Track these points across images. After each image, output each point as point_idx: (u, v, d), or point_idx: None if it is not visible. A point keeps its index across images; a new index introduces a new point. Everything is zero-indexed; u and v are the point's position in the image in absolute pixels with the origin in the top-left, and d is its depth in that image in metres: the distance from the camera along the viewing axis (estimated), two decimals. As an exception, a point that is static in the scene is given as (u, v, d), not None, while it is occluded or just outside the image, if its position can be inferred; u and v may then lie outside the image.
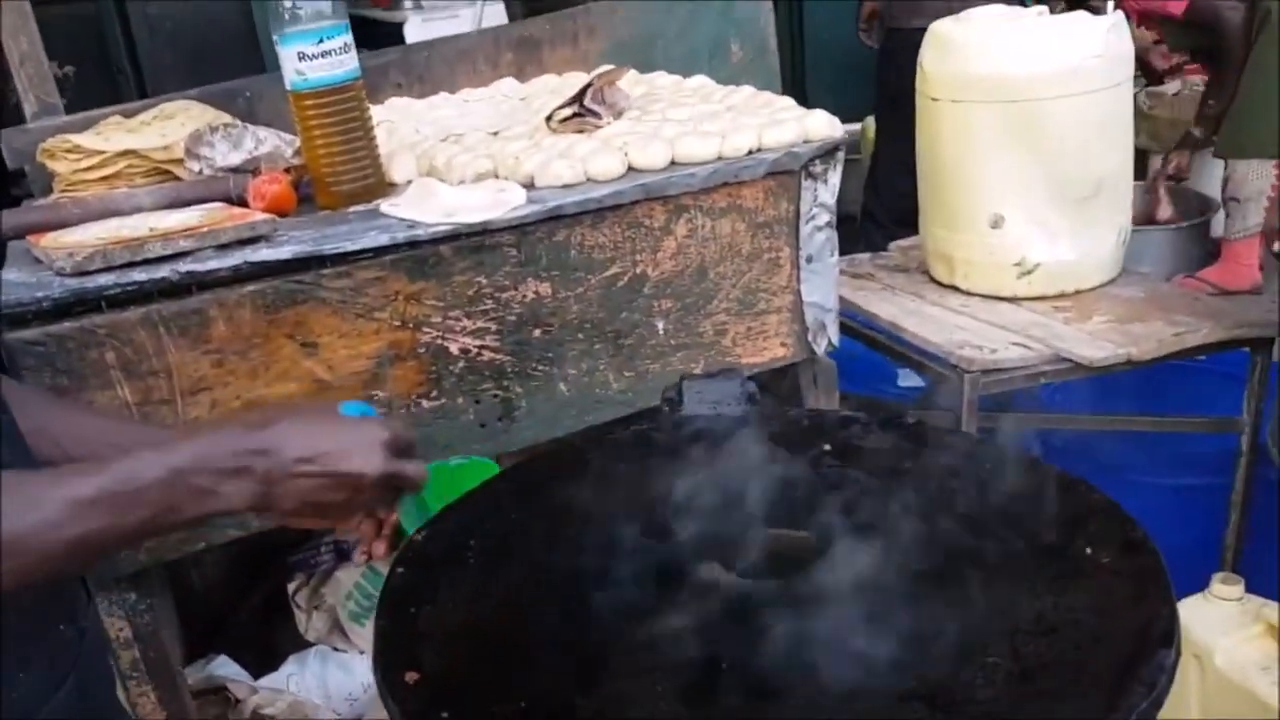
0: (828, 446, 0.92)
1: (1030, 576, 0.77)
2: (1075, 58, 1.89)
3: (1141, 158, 4.36)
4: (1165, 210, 3.99)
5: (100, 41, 4.46)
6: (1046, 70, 1.88)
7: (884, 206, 3.95)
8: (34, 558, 0.77)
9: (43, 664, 0.90)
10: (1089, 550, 0.78)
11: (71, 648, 0.94)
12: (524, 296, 1.59)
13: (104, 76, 4.25)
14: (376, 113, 1.96)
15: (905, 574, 0.78)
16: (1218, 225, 3.80)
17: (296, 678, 1.77)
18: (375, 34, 5.04)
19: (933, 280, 2.15)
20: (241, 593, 2.06)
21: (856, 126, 4.99)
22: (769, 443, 0.91)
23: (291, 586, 1.92)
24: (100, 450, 0.91)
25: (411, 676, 0.72)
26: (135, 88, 4.20)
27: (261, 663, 1.86)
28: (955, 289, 2.09)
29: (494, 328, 1.58)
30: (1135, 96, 4.22)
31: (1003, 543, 0.80)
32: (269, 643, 1.93)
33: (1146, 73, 4.33)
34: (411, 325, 1.53)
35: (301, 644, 1.91)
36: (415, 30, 5.19)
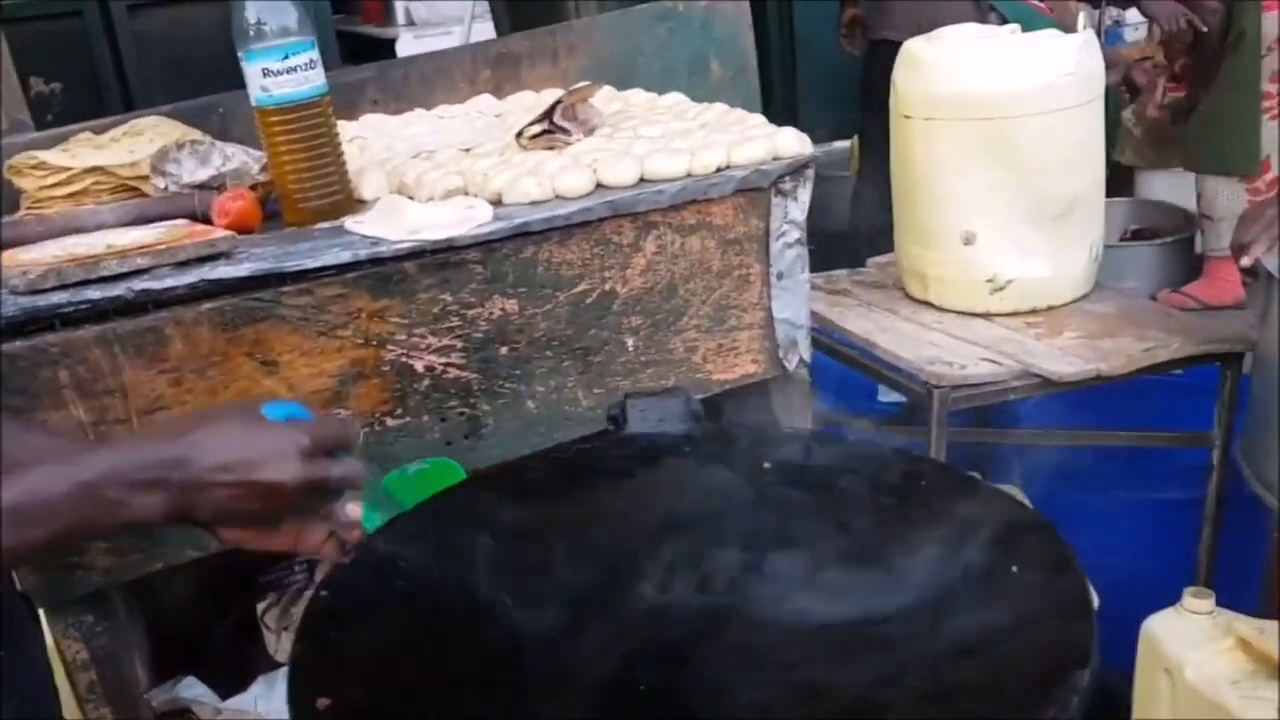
0: (767, 464, 0.92)
1: (955, 596, 0.76)
2: (1047, 76, 1.89)
3: (1128, 174, 4.37)
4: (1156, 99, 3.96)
5: (88, 58, 4.47)
6: (1018, 89, 1.89)
7: (867, 221, 3.95)
8: None
9: None
10: (1015, 569, 0.77)
11: (8, 670, 0.93)
12: (490, 314, 1.59)
13: (91, 93, 4.25)
14: (350, 129, 1.96)
15: (829, 594, 0.77)
16: (1201, 240, 3.80)
17: (264, 699, 1.76)
18: (367, 50, 5.05)
19: (908, 296, 2.16)
20: (215, 613, 2.05)
21: (846, 144, 5.01)
22: (709, 461, 0.90)
23: (261, 606, 1.90)
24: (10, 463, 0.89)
25: (323, 703, 0.71)
26: (122, 103, 4.19)
27: (232, 684, 1.84)
28: (929, 305, 2.09)
29: (460, 345, 1.58)
30: (1120, 115, 4.27)
31: (931, 561, 0.79)
32: (241, 663, 1.92)
33: (1131, 90, 4.34)
34: (375, 343, 1.52)
35: (271, 665, 1.90)
36: (407, 47, 5.21)
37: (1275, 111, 3.36)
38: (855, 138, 4.83)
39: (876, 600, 0.77)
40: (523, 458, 1.00)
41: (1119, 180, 4.18)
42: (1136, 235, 3.94)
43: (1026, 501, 2.13)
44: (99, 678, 1.47)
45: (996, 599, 0.76)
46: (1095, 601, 2.00)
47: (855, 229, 4.21)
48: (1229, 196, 3.44)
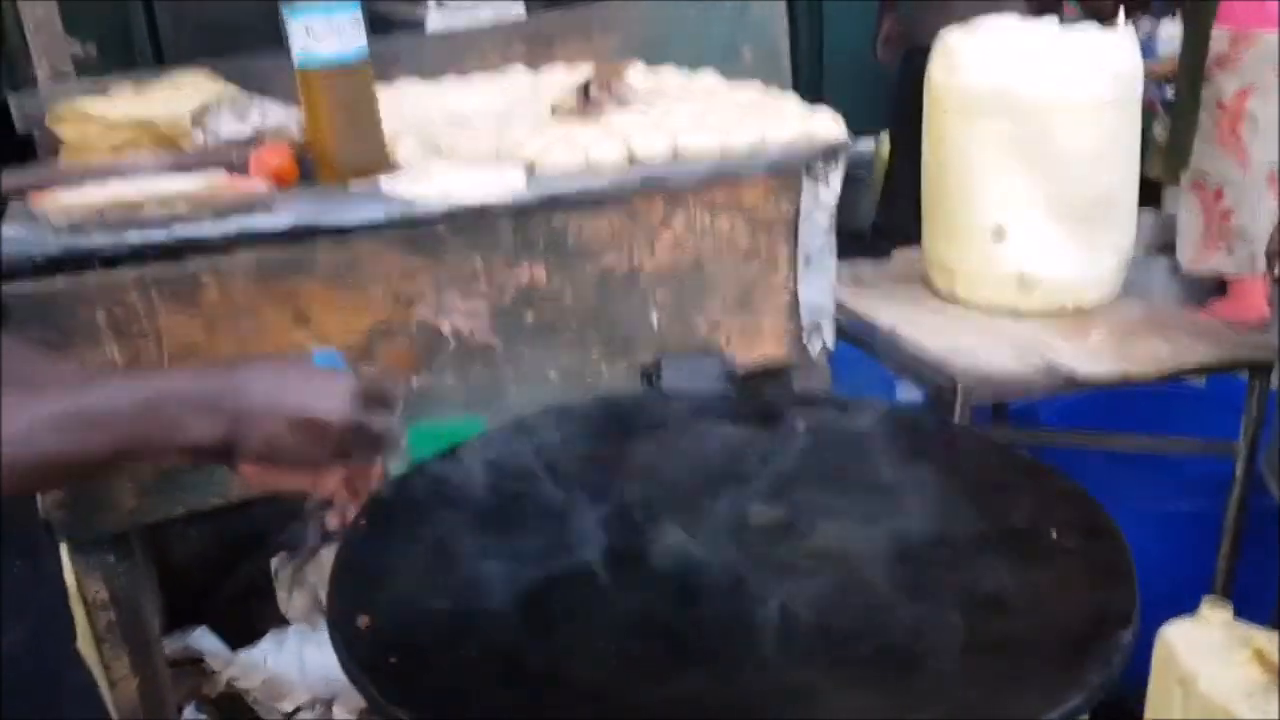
0: (802, 425, 0.92)
1: (994, 557, 0.76)
2: (1085, 73, 1.89)
3: (1155, 189, 4.36)
4: None
5: (123, 20, 4.50)
6: (1055, 85, 1.88)
7: (896, 224, 3.94)
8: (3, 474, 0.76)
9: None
10: (1054, 534, 0.77)
11: (24, 587, 0.93)
12: (519, 280, 1.59)
13: (125, 58, 4.28)
14: (385, 93, 1.96)
15: (872, 549, 0.77)
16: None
17: (274, 654, 1.77)
18: (395, 29, 5.05)
19: (933, 291, 2.15)
20: (225, 569, 2.06)
21: (871, 142, 5.00)
22: (744, 420, 0.90)
23: (274, 564, 1.91)
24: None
25: (363, 621, 0.72)
26: (156, 66, 4.21)
27: (241, 638, 1.86)
28: (955, 300, 2.09)
29: (487, 310, 1.58)
30: (1152, 127, 4.26)
31: (970, 524, 0.79)
32: (250, 619, 1.93)
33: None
34: (404, 302, 1.53)
35: (282, 622, 1.91)
36: (436, 26, 5.19)
37: (1226, 138, 3.42)
38: (884, 135, 4.83)
39: (913, 557, 0.77)
40: (558, 406, 1.00)
41: (1146, 194, 4.17)
42: (1162, 251, 3.93)
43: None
44: (117, 618, 1.48)
45: (1037, 560, 0.76)
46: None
47: (880, 232, 4.20)
48: (1186, 209, 3.54)
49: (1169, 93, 4.46)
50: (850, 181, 4.20)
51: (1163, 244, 3.94)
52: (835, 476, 0.86)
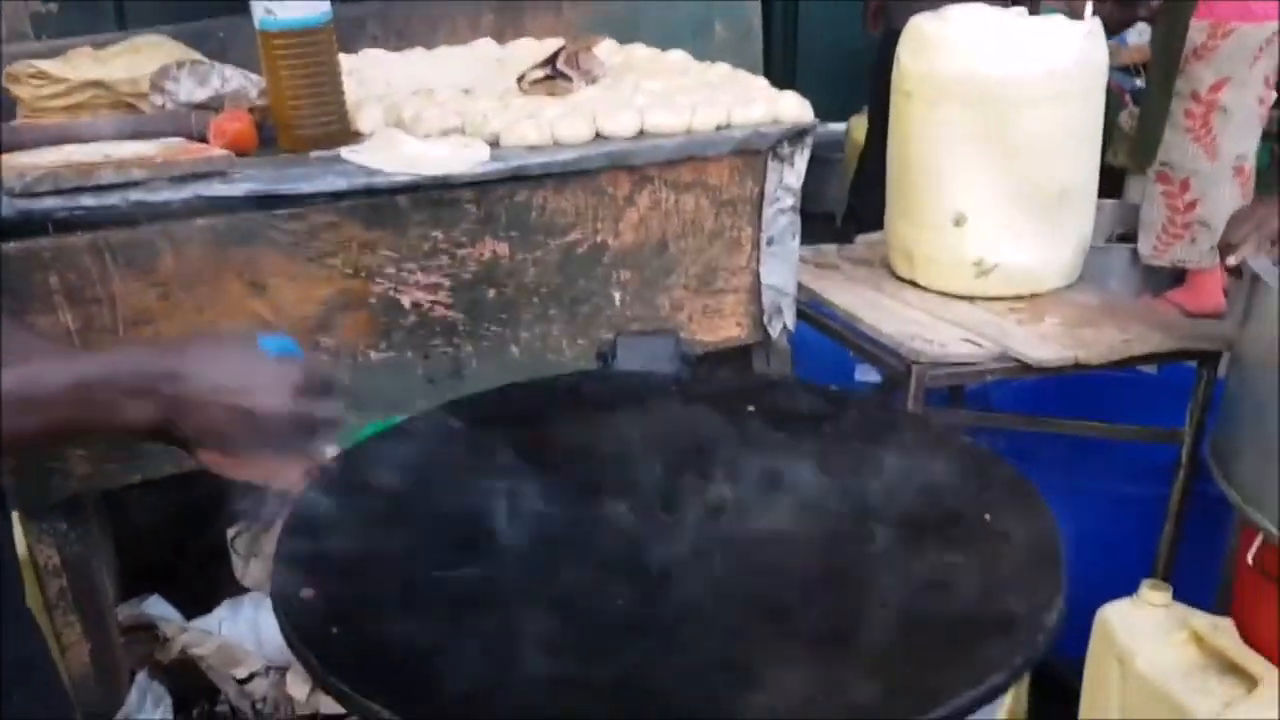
0: (752, 407, 0.93)
1: (929, 539, 0.78)
2: (1050, 63, 1.90)
3: (1118, 177, 4.40)
4: None
5: (86, -19, 4.41)
6: (1020, 73, 1.89)
7: (869, 208, 3.96)
8: None
9: None
10: (988, 517, 0.79)
11: None
12: (481, 255, 1.59)
13: (87, 14, 4.20)
14: (348, 62, 1.95)
15: (808, 527, 0.79)
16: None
17: (229, 622, 1.77)
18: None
19: (894, 275, 2.17)
20: (184, 536, 2.05)
21: (841, 126, 5.01)
22: (693, 401, 0.92)
23: (231, 533, 1.91)
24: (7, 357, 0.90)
25: (307, 593, 0.72)
26: (118, 26, 4.13)
27: (197, 606, 1.86)
28: (914, 284, 2.10)
29: (448, 284, 1.58)
30: (1119, 116, 4.30)
31: (907, 507, 0.81)
32: (206, 587, 1.92)
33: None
34: (364, 275, 1.52)
35: (239, 590, 1.91)
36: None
37: (1196, 129, 3.47)
38: (855, 119, 4.84)
39: (850, 537, 0.79)
40: (509, 385, 1.01)
41: (1110, 182, 4.21)
42: (1122, 239, 3.97)
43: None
44: (69, 585, 1.47)
45: (971, 542, 0.77)
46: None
47: (852, 215, 4.21)
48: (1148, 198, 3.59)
49: (1139, 82, 4.51)
50: (821, 164, 4.22)
51: (1123, 233, 3.98)
52: (777, 458, 0.87)
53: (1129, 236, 3.95)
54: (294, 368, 0.92)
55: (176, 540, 2.02)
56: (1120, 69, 4.40)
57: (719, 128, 1.71)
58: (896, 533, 0.79)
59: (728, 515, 0.81)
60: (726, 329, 1.83)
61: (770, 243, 1.82)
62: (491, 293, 1.61)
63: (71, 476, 1.42)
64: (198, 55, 1.79)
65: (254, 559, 1.91)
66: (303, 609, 0.72)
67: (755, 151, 1.74)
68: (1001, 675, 0.64)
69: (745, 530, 0.79)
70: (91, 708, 1.55)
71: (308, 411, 0.90)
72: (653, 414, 0.91)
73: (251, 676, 1.69)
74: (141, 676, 1.66)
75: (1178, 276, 3.82)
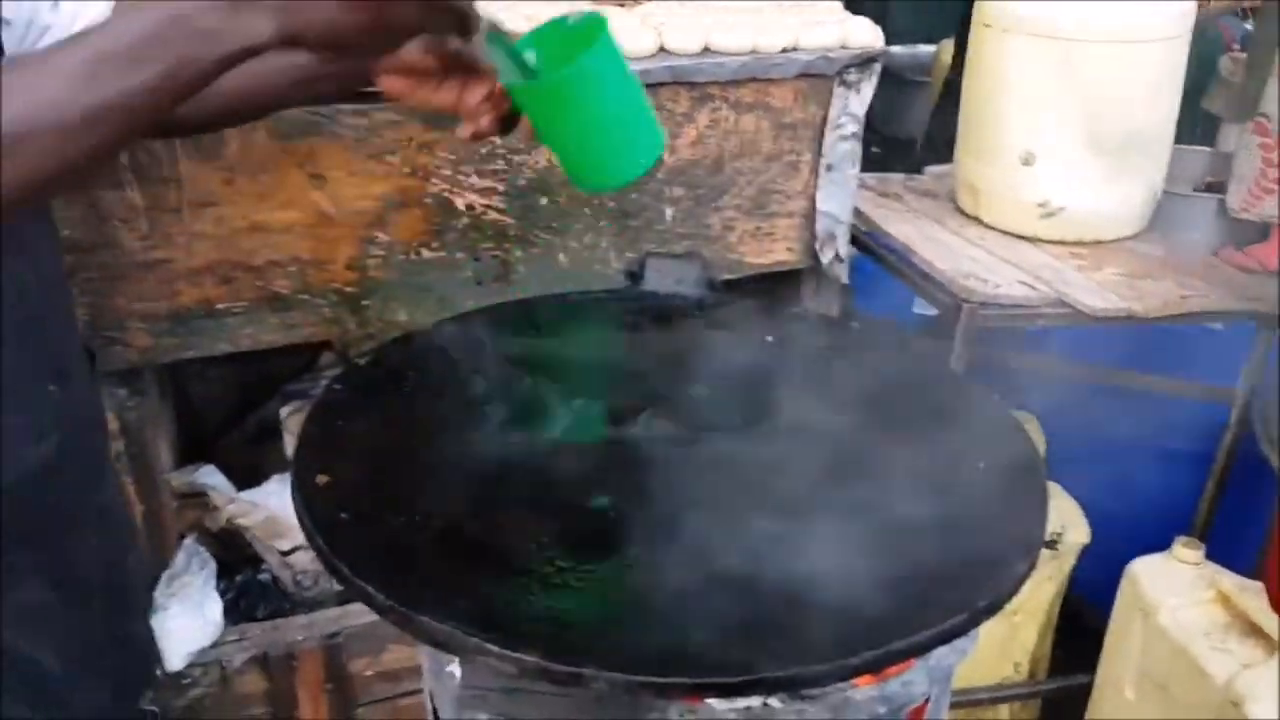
0: (770, 337, 0.95)
1: (920, 481, 0.80)
2: (1135, 7, 1.84)
3: (1216, 124, 4.22)
4: None
5: None
6: (1100, 12, 1.84)
7: (945, 138, 3.87)
8: (50, 139, 0.70)
9: (19, 416, 0.93)
10: (981, 465, 0.81)
11: (54, 408, 0.98)
12: (536, 162, 1.61)
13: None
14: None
15: (798, 460, 0.81)
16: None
17: (276, 496, 1.85)
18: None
19: (958, 210, 2.14)
20: (239, 412, 2.14)
21: (932, 49, 4.87)
22: (714, 326, 0.94)
23: (284, 412, 1.98)
24: None
25: (322, 479, 0.77)
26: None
27: (247, 481, 1.94)
28: (978, 221, 2.08)
29: (502, 188, 1.60)
30: (1220, 61, 4.11)
31: (905, 448, 0.83)
32: (257, 463, 2.01)
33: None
34: (421, 174, 1.55)
35: (287, 467, 1.99)
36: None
37: None
38: (946, 43, 4.69)
39: (844, 473, 0.81)
40: (540, 297, 1.04)
41: (1207, 129, 4.05)
42: (1210, 189, 3.84)
43: (1038, 431, 2.16)
44: (125, 449, 1.56)
45: (959, 488, 0.79)
46: (1087, 536, 2.03)
47: (931, 140, 4.11)
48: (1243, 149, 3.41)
49: (1249, 26, 4.29)
50: (907, 87, 4.12)
51: (1212, 181, 3.84)
52: (783, 387, 0.89)
53: (1218, 186, 3.81)
54: None
55: (233, 416, 2.11)
56: (1236, 13, 4.19)
57: (785, 50, 1.69)
58: (889, 471, 0.81)
59: (726, 439, 0.83)
60: (777, 252, 1.83)
61: (830, 169, 1.81)
62: (544, 200, 1.63)
63: (131, 348, 1.49)
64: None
65: (305, 439, 1.98)
66: (316, 493, 0.76)
67: (821, 76, 1.72)
68: (961, 616, 0.66)
69: (739, 454, 0.82)
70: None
71: None
72: (671, 336, 0.94)
73: (294, 549, 1.77)
74: (189, 541, 1.75)
75: (1264, 231, 3.69)
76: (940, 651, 0.68)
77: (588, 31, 0.87)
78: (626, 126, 0.88)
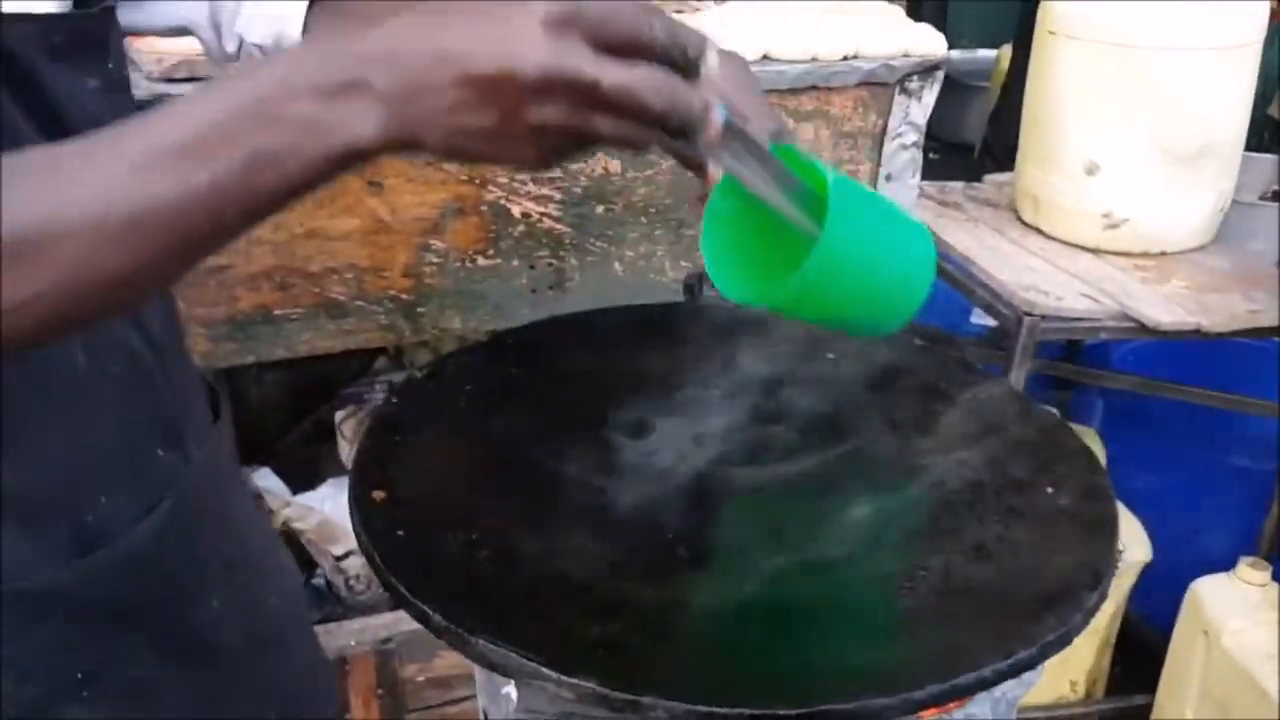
0: (831, 355, 0.93)
1: (986, 506, 0.78)
2: (1203, 14, 1.80)
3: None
4: None
5: None
6: (1170, 23, 1.80)
7: (1003, 144, 3.82)
8: (84, 246, 0.54)
9: (127, 488, 0.79)
10: (1050, 490, 0.79)
11: (166, 474, 0.83)
12: (592, 171, 1.61)
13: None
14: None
15: (862, 485, 0.80)
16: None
17: (331, 500, 1.87)
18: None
19: (1019, 219, 2.10)
20: (295, 416, 2.17)
21: (992, 53, 4.80)
22: (775, 342, 0.92)
23: (339, 416, 2.00)
24: None
25: (379, 495, 0.77)
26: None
27: (302, 483, 1.96)
28: (1039, 231, 2.04)
29: (558, 197, 1.60)
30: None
31: (970, 471, 0.81)
32: (312, 466, 2.03)
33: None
34: (478, 181, 1.56)
35: (342, 471, 2.01)
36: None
37: None
38: (1006, 48, 4.63)
39: (905, 496, 0.79)
40: (598, 310, 1.03)
41: (1274, 135, 3.96)
42: (1277, 197, 3.75)
43: (1100, 446, 2.12)
44: (183, 453, 1.57)
45: (1026, 514, 0.77)
46: (1148, 554, 1.99)
47: (988, 147, 4.05)
48: None
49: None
50: (966, 92, 4.06)
51: (1279, 190, 3.75)
52: (845, 407, 0.88)
53: (1285, 195, 3.73)
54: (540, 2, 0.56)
55: (288, 419, 2.14)
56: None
57: (846, 57, 1.67)
58: (954, 495, 0.79)
59: (782, 459, 0.82)
60: (835, 264, 1.81)
61: (889, 179, 1.79)
62: (600, 209, 1.63)
63: (190, 354, 1.50)
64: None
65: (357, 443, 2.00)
66: (373, 509, 0.76)
67: (882, 84, 1.70)
68: (1029, 650, 0.64)
69: (797, 476, 0.80)
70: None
71: (574, 65, 0.56)
72: (731, 352, 0.93)
73: (348, 554, 1.79)
74: (247, 543, 1.77)
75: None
76: (1006, 685, 0.66)
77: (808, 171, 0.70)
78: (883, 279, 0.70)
